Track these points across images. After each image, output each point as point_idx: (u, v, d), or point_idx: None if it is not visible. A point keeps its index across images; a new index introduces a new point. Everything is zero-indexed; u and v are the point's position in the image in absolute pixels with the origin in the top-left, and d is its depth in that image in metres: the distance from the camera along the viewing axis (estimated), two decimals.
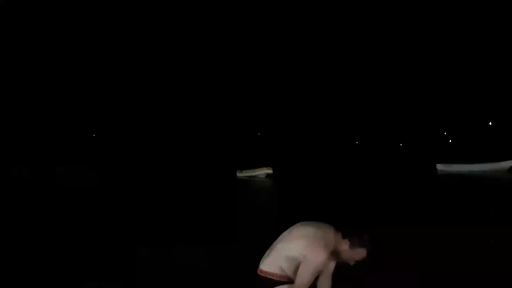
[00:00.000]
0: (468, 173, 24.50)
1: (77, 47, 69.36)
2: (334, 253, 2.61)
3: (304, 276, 2.52)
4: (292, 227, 2.82)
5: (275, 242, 2.78)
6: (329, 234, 2.63)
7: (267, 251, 2.77)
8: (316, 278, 2.72)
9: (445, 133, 67.90)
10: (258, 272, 2.67)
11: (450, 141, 64.82)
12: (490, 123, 60.71)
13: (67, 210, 12.34)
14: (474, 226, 7.60)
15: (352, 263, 2.63)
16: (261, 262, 2.72)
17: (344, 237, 2.63)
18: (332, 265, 2.75)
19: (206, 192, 18.25)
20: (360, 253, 2.57)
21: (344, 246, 2.60)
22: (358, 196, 13.53)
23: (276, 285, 2.57)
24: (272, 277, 2.58)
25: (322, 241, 2.56)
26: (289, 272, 2.59)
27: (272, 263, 2.63)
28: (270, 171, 27.09)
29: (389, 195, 13.42)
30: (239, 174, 29.40)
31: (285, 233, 2.80)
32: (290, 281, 2.59)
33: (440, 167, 27.83)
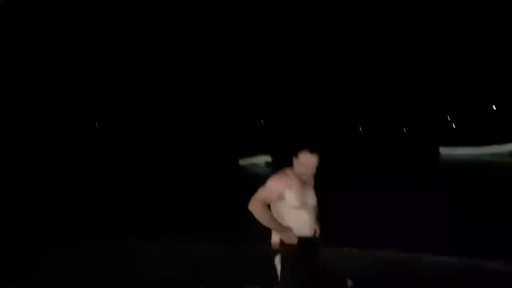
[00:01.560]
0: (472, 156, 24.23)
1: (76, 47, 69.28)
2: (298, 175, 2.84)
3: (260, 191, 2.79)
4: None
5: None
6: (287, 168, 2.89)
7: None
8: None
9: (448, 117, 67.20)
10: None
11: (453, 125, 64.14)
12: (494, 107, 59.93)
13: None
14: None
15: (310, 171, 2.82)
16: None
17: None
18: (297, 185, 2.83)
19: (210, 180, 18.35)
20: (306, 156, 2.81)
21: (296, 161, 2.85)
22: (358, 188, 13.09)
23: (276, 254, 2.81)
24: (274, 246, 2.83)
25: (278, 173, 2.86)
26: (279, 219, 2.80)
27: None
28: (269, 159, 27.53)
29: (391, 190, 12.72)
30: (240, 162, 29.67)
31: None
32: (281, 248, 2.77)
33: (443, 150, 27.54)
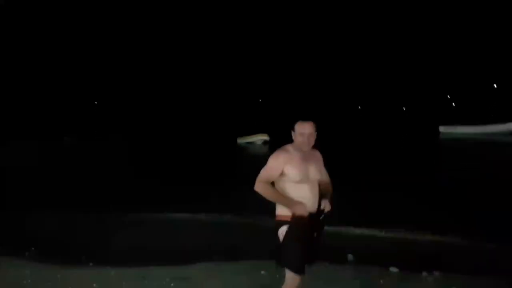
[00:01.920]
0: (471, 135, 24.18)
1: (75, 46, 69.05)
2: (298, 149, 2.87)
3: (262, 171, 2.85)
4: None
5: None
6: (287, 145, 2.93)
7: None
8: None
9: (448, 96, 66.96)
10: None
11: (453, 104, 63.95)
12: (495, 85, 59.64)
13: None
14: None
15: (307, 140, 2.82)
16: None
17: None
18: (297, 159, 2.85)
19: (208, 159, 18.44)
20: (300, 126, 2.83)
21: (293, 135, 2.87)
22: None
23: (281, 226, 2.83)
24: (278, 219, 2.86)
25: (277, 150, 2.89)
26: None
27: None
28: (266, 137, 27.62)
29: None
30: (238, 140, 29.69)
31: None
32: (288, 221, 2.79)
33: (443, 129, 27.42)
